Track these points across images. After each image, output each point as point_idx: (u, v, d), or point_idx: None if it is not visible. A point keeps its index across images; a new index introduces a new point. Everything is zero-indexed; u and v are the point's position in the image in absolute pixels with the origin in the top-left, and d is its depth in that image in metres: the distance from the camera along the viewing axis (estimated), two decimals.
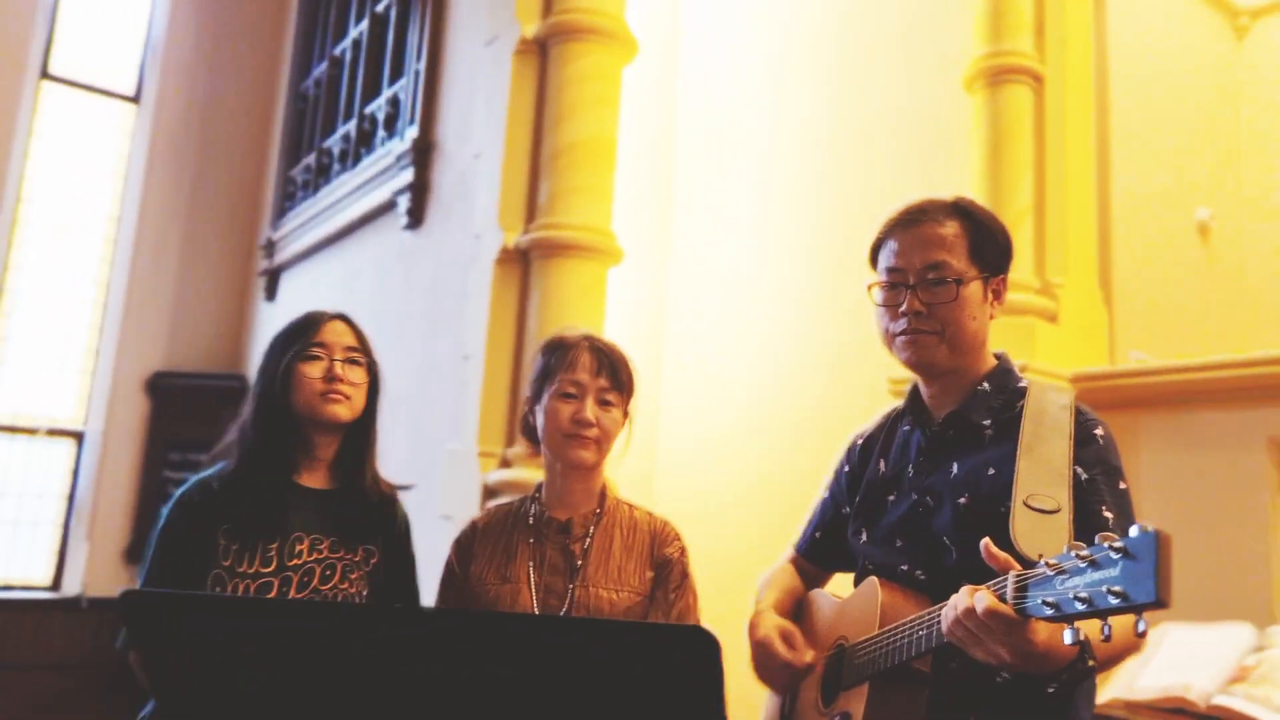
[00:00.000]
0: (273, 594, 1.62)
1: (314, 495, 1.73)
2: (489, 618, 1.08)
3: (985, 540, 1.07)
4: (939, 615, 1.15)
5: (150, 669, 0.85)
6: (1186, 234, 4.32)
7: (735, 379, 4.61)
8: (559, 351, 1.65)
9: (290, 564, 1.65)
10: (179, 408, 6.42)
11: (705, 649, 0.79)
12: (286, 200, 6.41)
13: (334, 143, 5.77)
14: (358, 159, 5.38)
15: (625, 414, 1.66)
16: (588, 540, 1.60)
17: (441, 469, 3.81)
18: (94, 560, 5.93)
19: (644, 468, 4.45)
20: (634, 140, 3.91)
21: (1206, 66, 4.55)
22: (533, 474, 3.42)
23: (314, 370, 1.71)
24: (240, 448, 1.72)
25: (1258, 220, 4.43)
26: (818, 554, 1.63)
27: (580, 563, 1.57)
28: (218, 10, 6.87)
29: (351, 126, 5.52)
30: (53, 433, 6.13)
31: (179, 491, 1.72)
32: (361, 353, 1.77)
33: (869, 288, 1.44)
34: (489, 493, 3.54)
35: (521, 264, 3.75)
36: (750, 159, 4.90)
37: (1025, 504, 1.18)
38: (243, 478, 1.69)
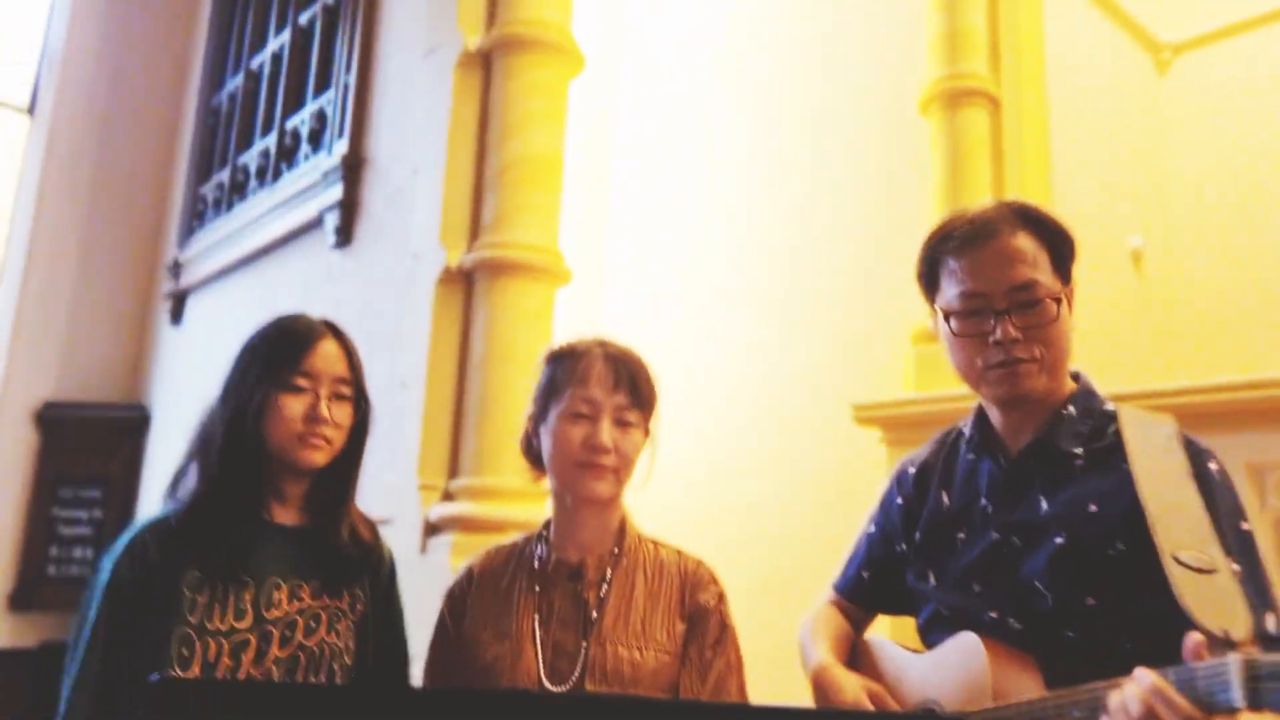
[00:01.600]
0: (250, 653, 1.35)
1: (288, 534, 1.46)
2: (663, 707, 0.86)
3: (1193, 636, 0.92)
4: (1102, 696, 0.98)
5: None
6: (1120, 261, 4.40)
7: (687, 406, 4.47)
8: (567, 361, 1.38)
9: (269, 616, 1.39)
10: (71, 440, 5.95)
11: None
12: (195, 220, 6.03)
13: (251, 158, 5.45)
14: (278, 175, 5.08)
15: (646, 434, 1.39)
16: (604, 587, 1.34)
17: (379, 503, 3.56)
18: None
19: None
20: (571, 155, 3.76)
21: (1133, 97, 4.69)
22: (479, 508, 3.22)
23: (295, 406, 1.43)
24: (203, 479, 1.43)
25: (1187, 247, 4.54)
26: (864, 595, 1.45)
27: (595, 614, 1.32)
28: (122, 20, 6.48)
29: (271, 141, 5.22)
30: None
31: (125, 538, 1.41)
32: (351, 384, 1.50)
33: (945, 316, 1.26)
34: (430, 529, 3.32)
35: (465, 285, 3.55)
36: (692, 176, 4.81)
37: (1176, 560, 1.04)
38: (208, 514, 1.40)
